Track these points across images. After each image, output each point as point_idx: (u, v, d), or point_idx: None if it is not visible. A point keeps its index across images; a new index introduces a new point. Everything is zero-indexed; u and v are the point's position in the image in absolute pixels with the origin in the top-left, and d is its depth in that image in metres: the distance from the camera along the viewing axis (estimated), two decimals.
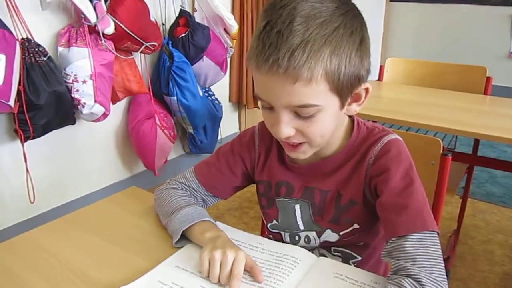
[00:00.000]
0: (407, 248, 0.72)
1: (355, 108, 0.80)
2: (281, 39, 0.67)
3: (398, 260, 0.72)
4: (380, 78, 2.07)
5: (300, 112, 0.73)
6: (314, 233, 0.92)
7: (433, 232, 0.74)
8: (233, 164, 0.95)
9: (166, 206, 0.92)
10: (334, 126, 0.79)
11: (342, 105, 0.76)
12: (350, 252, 0.92)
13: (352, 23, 0.71)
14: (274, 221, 0.96)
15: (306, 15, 0.68)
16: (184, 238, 0.85)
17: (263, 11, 0.73)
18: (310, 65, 0.67)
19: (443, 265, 0.72)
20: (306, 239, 0.93)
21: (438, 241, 0.74)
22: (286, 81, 0.69)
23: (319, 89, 0.70)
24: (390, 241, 0.75)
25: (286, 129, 0.74)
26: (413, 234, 0.73)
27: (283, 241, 0.96)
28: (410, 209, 0.75)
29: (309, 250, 0.83)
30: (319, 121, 0.74)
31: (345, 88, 0.73)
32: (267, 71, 0.69)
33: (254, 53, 0.70)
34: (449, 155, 1.08)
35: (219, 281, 0.73)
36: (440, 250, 0.73)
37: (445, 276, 0.71)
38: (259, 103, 0.78)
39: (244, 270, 0.74)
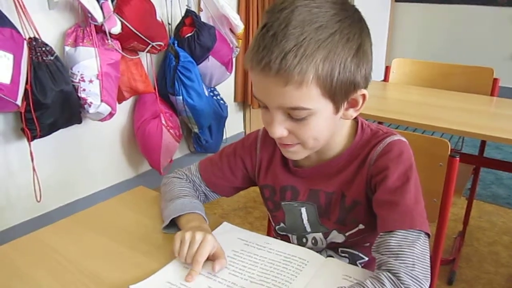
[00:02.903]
0: (391, 244, 0.73)
1: (352, 114, 0.81)
2: (275, 42, 0.68)
3: (382, 255, 0.73)
4: (386, 79, 2.07)
5: (292, 114, 0.74)
6: (320, 234, 0.92)
7: (420, 232, 0.74)
8: (233, 165, 0.97)
9: (167, 193, 0.96)
10: (329, 130, 0.80)
11: (336, 110, 0.76)
12: (357, 253, 0.93)
13: (350, 29, 0.71)
14: (282, 224, 0.96)
15: (303, 19, 0.68)
16: (175, 225, 0.89)
17: (264, 13, 0.74)
18: (301, 69, 0.68)
19: (428, 265, 0.72)
20: (313, 241, 0.94)
21: (426, 242, 0.75)
22: (278, 83, 0.70)
23: (311, 93, 0.71)
24: (379, 236, 0.77)
25: (279, 129, 0.76)
26: (399, 230, 0.74)
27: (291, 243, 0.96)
28: (400, 206, 0.76)
29: (316, 252, 0.83)
30: (311, 124, 0.75)
31: (339, 94, 0.74)
32: (259, 72, 0.71)
33: (250, 54, 0.72)
34: (457, 156, 1.08)
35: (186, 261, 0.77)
36: (427, 251, 0.74)
37: (428, 276, 0.71)
38: None
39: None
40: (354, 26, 0.73)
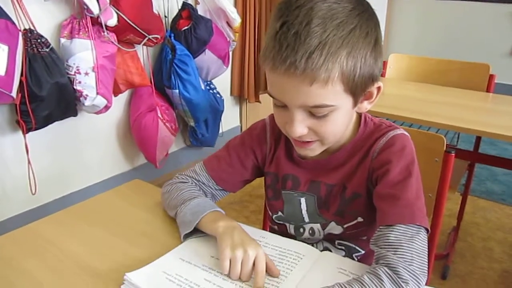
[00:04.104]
0: (390, 238, 0.73)
1: (366, 106, 0.81)
2: (299, 41, 0.67)
3: (381, 248, 0.73)
4: (382, 74, 2.06)
5: (315, 112, 0.74)
6: (318, 225, 0.93)
7: (420, 227, 0.75)
8: (244, 157, 0.95)
9: (175, 198, 0.91)
10: (346, 124, 0.81)
11: (355, 104, 0.77)
12: (353, 246, 0.93)
13: (368, 23, 0.72)
14: (280, 213, 0.97)
15: (323, 16, 0.68)
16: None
17: (277, 10, 0.72)
18: (327, 67, 0.68)
19: (426, 260, 0.72)
20: (310, 231, 0.94)
21: (425, 237, 0.75)
22: (303, 83, 0.69)
23: (335, 90, 0.71)
24: (378, 230, 0.77)
25: (300, 128, 0.75)
26: (400, 225, 0.74)
27: (287, 233, 0.96)
28: (401, 201, 0.76)
29: (313, 243, 0.83)
30: (332, 120, 0.75)
31: (359, 88, 0.74)
32: (284, 72, 0.69)
33: (270, 53, 0.70)
34: (453, 152, 1.08)
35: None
36: (425, 246, 0.74)
37: (425, 271, 0.71)
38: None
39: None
40: (371, 20, 0.73)
